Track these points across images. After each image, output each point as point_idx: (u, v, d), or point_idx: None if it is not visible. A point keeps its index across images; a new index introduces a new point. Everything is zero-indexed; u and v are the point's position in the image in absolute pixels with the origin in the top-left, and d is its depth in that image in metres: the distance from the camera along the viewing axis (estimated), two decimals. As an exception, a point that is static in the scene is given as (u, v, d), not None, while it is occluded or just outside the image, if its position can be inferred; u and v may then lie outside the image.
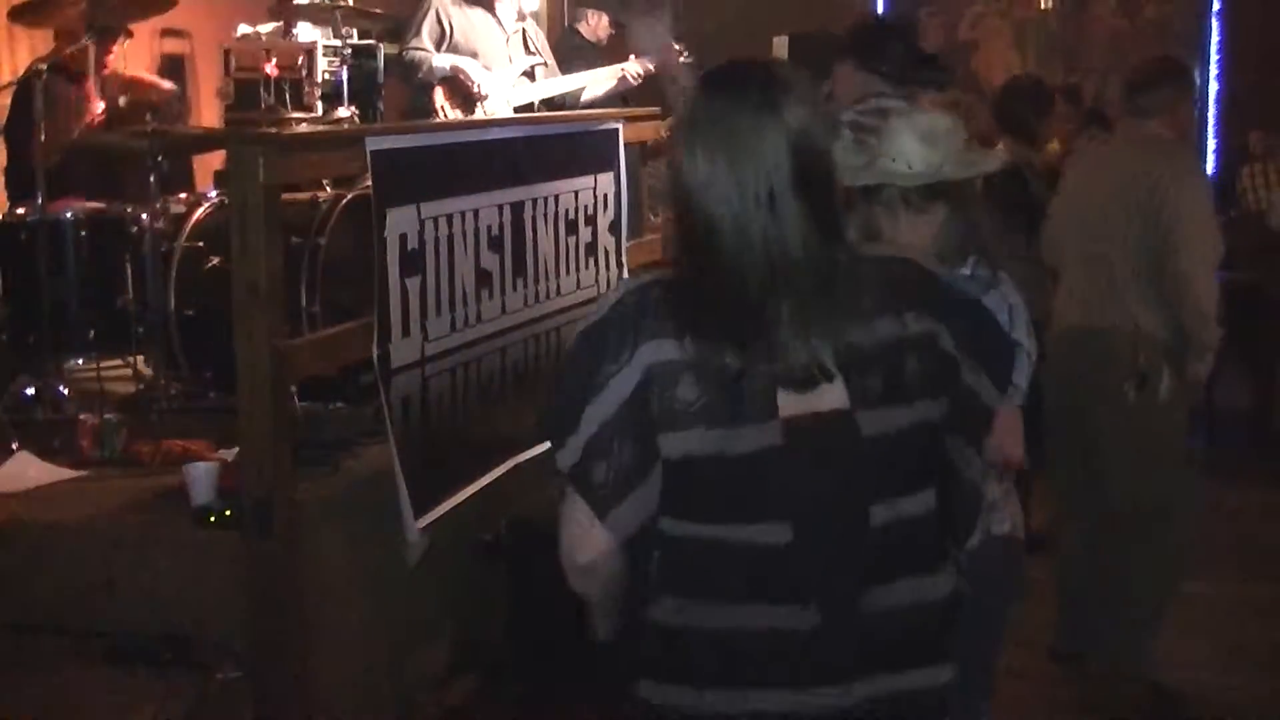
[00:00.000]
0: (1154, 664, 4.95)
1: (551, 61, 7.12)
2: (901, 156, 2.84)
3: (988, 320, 2.42)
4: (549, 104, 7.03)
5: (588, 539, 2.18)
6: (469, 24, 6.73)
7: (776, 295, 2.06)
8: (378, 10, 6.75)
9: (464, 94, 6.59)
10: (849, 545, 2.12)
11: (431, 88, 6.60)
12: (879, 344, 2.10)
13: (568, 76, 7.15)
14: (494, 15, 6.82)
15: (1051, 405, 4.91)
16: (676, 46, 7.69)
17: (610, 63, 7.53)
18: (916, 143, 2.84)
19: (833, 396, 2.09)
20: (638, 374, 2.09)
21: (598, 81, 7.26)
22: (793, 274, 2.06)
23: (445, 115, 6.55)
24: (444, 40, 6.66)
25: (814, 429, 2.09)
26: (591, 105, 7.13)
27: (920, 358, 2.14)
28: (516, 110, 6.71)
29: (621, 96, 7.37)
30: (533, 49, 6.96)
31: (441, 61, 6.60)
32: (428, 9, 6.68)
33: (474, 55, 6.68)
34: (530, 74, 6.87)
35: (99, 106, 5.97)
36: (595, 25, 8.60)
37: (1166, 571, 4.94)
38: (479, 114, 6.56)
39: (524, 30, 6.96)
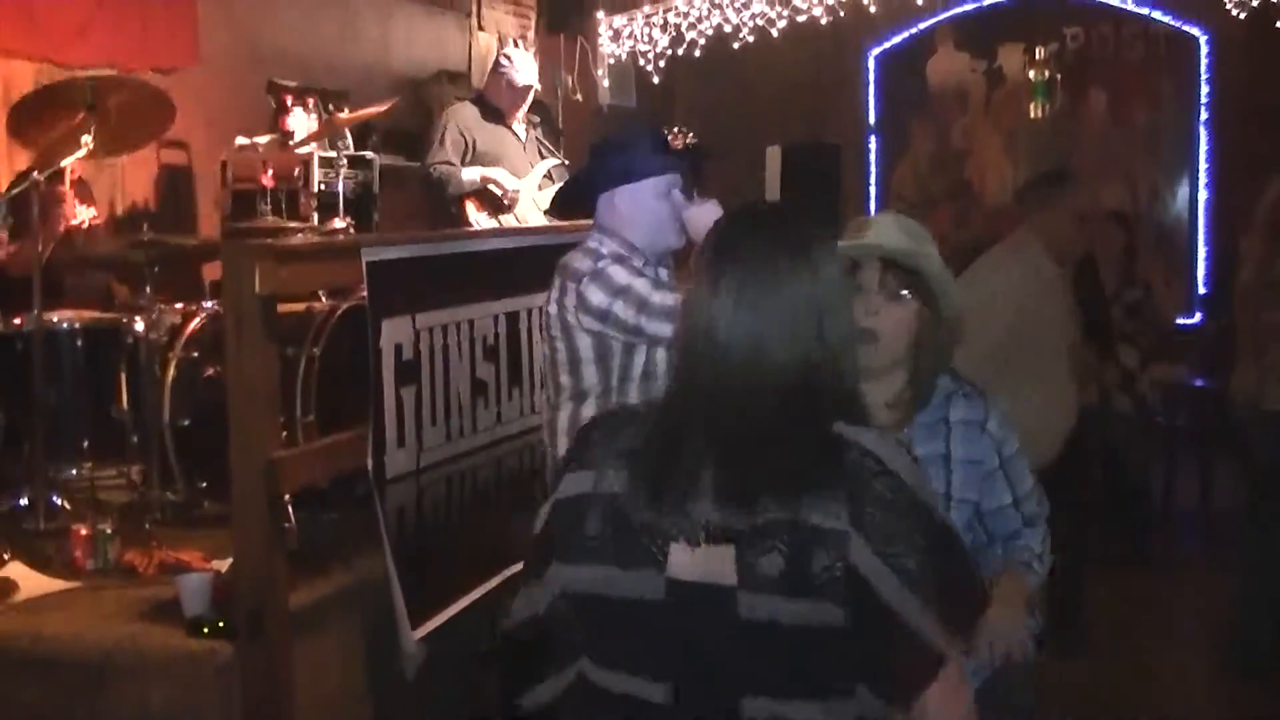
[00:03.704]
0: None
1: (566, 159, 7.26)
2: (883, 237, 2.89)
3: (945, 548, 2.08)
4: None
5: None
6: (489, 134, 6.91)
7: (740, 445, 2.01)
8: (377, 108, 6.81)
9: (494, 202, 6.71)
10: None
11: (462, 200, 6.71)
12: (795, 529, 1.97)
13: None
14: (507, 126, 7.01)
15: None
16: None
17: None
18: (899, 232, 2.89)
19: (724, 568, 2.00)
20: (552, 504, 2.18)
21: None
22: (775, 426, 2.02)
23: (479, 225, 6.66)
24: (468, 152, 6.82)
25: (696, 596, 2.01)
26: None
27: (830, 558, 1.95)
28: (546, 212, 6.82)
29: None
30: (545, 152, 7.11)
31: (471, 174, 6.77)
32: (445, 124, 6.85)
33: (498, 163, 6.82)
34: (550, 175, 6.98)
35: (77, 215, 5.91)
36: None
37: None
38: (510, 219, 6.67)
39: (535, 136, 7.11)
